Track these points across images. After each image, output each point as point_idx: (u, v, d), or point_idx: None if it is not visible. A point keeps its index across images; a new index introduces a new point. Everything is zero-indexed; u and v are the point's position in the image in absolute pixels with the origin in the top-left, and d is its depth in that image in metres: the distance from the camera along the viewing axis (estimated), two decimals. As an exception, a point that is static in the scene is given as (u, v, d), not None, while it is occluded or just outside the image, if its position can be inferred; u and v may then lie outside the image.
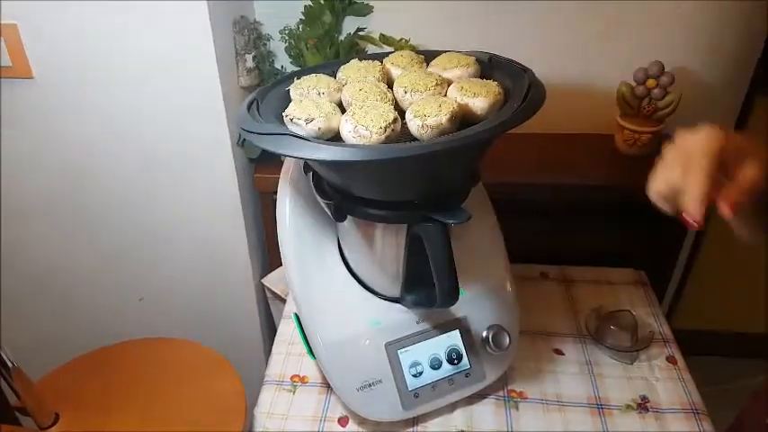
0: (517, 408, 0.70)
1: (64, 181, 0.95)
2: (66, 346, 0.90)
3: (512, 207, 0.77)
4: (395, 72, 0.61)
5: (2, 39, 0.81)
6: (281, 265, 0.66)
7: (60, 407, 0.67)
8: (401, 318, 0.66)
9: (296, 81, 0.59)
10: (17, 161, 0.94)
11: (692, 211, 0.38)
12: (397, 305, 0.66)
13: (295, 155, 0.47)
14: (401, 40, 0.93)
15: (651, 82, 0.91)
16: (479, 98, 0.52)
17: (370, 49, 0.98)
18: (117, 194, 0.97)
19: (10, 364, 0.59)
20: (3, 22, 0.80)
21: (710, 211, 0.38)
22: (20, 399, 0.62)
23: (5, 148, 0.92)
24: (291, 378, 0.74)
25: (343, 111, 0.54)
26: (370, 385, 0.64)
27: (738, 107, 1.04)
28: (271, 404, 0.71)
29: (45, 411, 0.65)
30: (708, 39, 0.96)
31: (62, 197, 0.97)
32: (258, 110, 0.55)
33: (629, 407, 0.70)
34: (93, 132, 0.90)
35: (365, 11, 0.94)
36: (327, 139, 0.51)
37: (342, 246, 0.67)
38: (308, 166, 0.63)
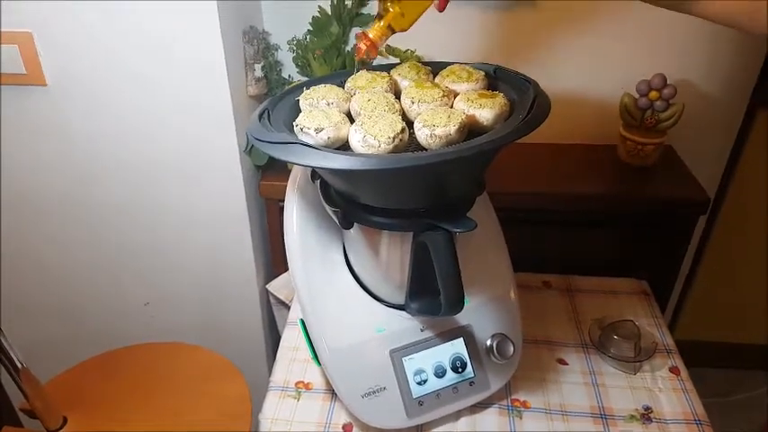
0: (521, 417, 0.70)
1: (74, 186, 0.96)
2: (71, 349, 0.91)
3: (515, 216, 0.78)
4: (402, 83, 0.62)
5: (16, 46, 0.82)
6: (286, 271, 0.67)
7: (68, 409, 0.67)
8: (406, 325, 0.67)
9: (306, 91, 0.59)
10: (29, 166, 0.95)
11: None
12: (402, 313, 0.67)
13: (306, 163, 0.48)
14: (407, 50, 0.94)
15: (654, 94, 0.92)
16: (486, 109, 0.53)
17: (377, 59, 0.99)
18: (125, 199, 0.98)
19: (19, 365, 0.59)
20: (18, 29, 0.81)
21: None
22: (28, 400, 0.62)
23: (18, 153, 0.93)
24: (296, 384, 0.74)
25: (351, 120, 0.55)
26: (374, 392, 0.64)
27: (740, 119, 1.05)
28: (275, 410, 0.71)
29: (53, 414, 0.65)
30: (709, 51, 0.97)
31: (72, 202, 0.98)
32: (269, 119, 0.56)
33: (632, 417, 0.70)
34: (103, 139, 0.91)
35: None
36: (336, 149, 0.52)
37: (348, 253, 0.68)
38: (315, 174, 0.64)
